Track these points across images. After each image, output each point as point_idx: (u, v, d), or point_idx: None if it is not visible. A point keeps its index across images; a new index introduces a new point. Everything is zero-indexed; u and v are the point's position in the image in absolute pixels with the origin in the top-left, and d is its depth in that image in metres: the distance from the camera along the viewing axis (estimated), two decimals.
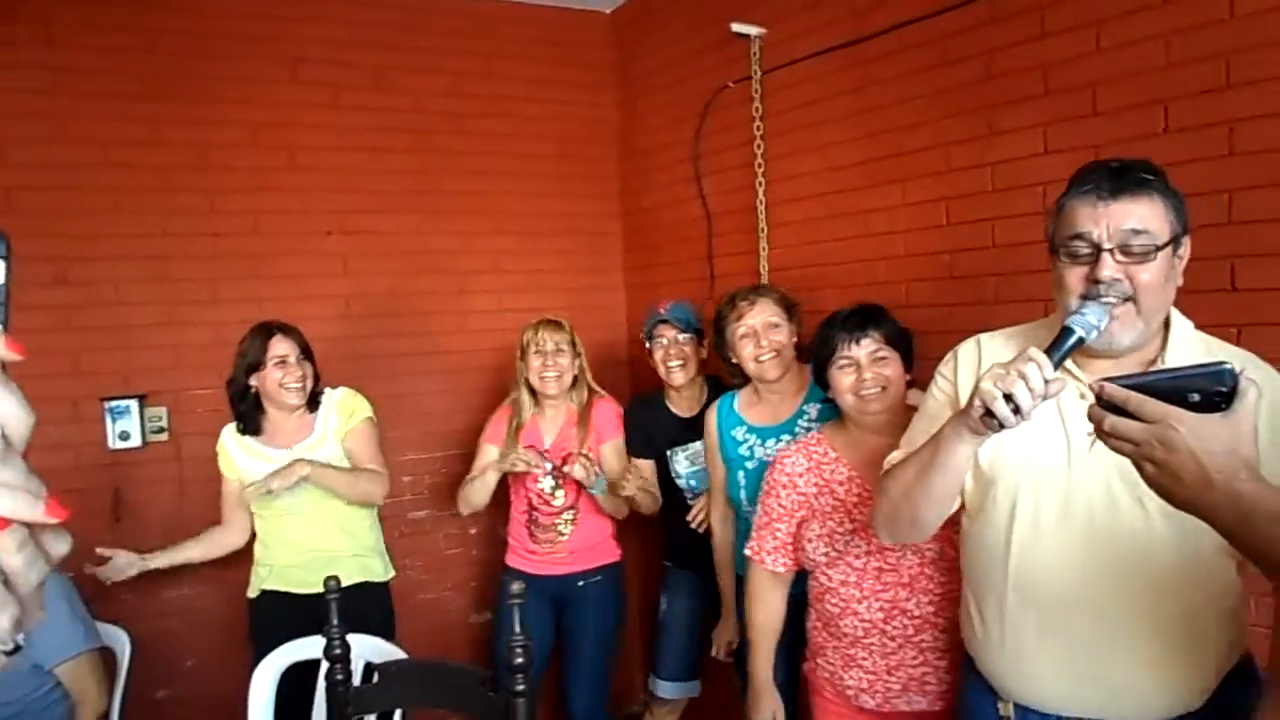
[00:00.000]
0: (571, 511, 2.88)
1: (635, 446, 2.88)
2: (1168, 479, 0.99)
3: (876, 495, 1.64)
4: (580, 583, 2.89)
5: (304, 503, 2.66)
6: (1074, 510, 1.41)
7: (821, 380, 2.05)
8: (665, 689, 2.91)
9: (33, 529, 0.51)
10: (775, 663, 2.27)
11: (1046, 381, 1.21)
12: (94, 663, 2.30)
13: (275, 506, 2.66)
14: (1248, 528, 0.99)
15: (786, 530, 2.03)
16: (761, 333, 2.40)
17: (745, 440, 2.49)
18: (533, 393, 2.87)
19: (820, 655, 2.03)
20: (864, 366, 1.95)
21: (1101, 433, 1.03)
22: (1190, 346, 1.41)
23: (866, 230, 2.75)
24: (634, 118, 3.72)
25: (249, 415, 2.68)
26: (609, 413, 2.90)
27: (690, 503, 2.81)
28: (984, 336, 1.58)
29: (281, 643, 2.39)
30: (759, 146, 3.06)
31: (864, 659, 1.93)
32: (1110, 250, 1.31)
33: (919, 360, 2.52)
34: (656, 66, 3.57)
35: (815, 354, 2.05)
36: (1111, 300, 1.32)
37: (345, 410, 2.75)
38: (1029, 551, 1.45)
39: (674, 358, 2.75)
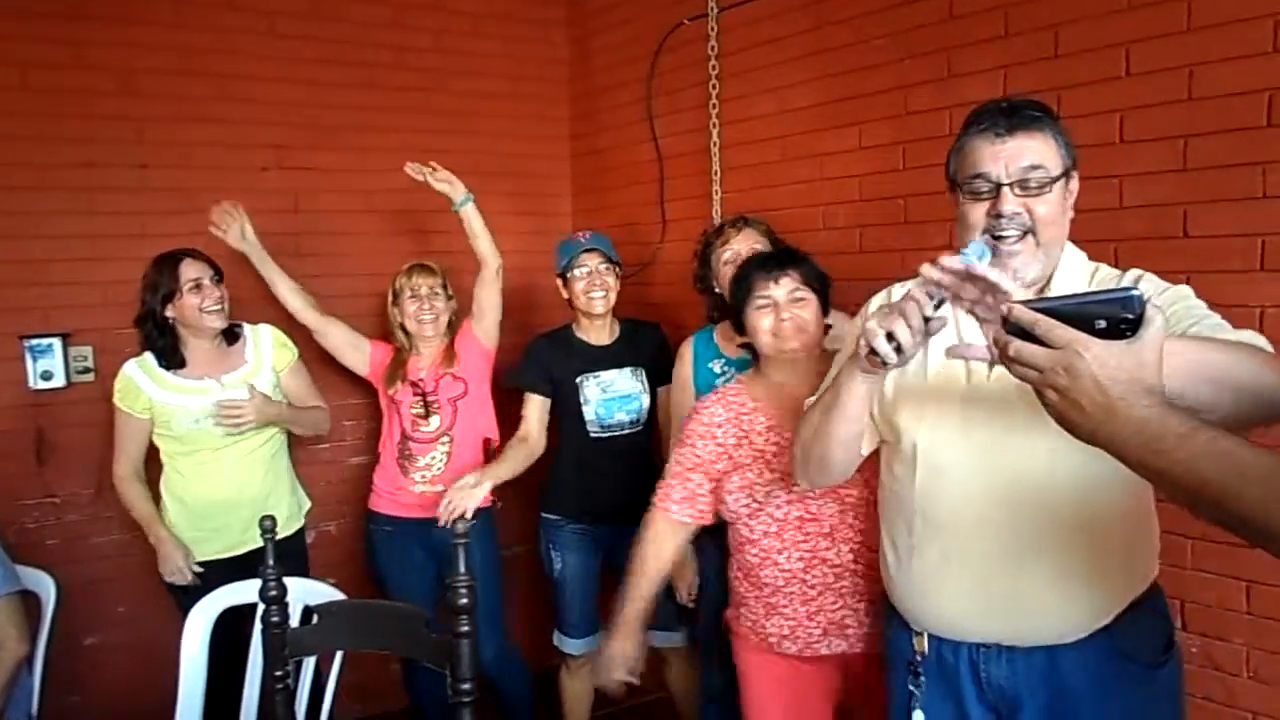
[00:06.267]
0: (446, 440, 2.83)
1: (530, 381, 2.78)
2: (1070, 407, 0.95)
3: (793, 440, 1.67)
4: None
5: (234, 443, 2.61)
6: (974, 438, 1.45)
7: (739, 324, 2.01)
8: (574, 645, 2.82)
9: None
10: (708, 610, 2.25)
11: (927, 319, 1.25)
12: (13, 607, 2.21)
13: (202, 445, 2.58)
14: (1158, 455, 0.91)
15: (698, 482, 1.99)
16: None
17: (724, 373, 2.46)
18: (407, 335, 2.88)
19: (743, 605, 2.02)
20: (782, 306, 1.92)
21: (1006, 358, 0.99)
22: (1077, 273, 1.45)
23: (822, 174, 2.71)
24: (586, 56, 3.61)
25: (170, 349, 2.59)
26: (468, 333, 2.91)
27: (595, 436, 2.72)
28: (897, 285, 1.59)
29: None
30: (714, 87, 2.99)
31: (784, 606, 1.93)
32: (1010, 185, 1.36)
33: None
34: (610, 1, 3.46)
35: (732, 296, 2.02)
36: (1011, 233, 1.36)
37: (280, 344, 2.77)
38: (933, 480, 1.49)
39: (596, 287, 2.71)
